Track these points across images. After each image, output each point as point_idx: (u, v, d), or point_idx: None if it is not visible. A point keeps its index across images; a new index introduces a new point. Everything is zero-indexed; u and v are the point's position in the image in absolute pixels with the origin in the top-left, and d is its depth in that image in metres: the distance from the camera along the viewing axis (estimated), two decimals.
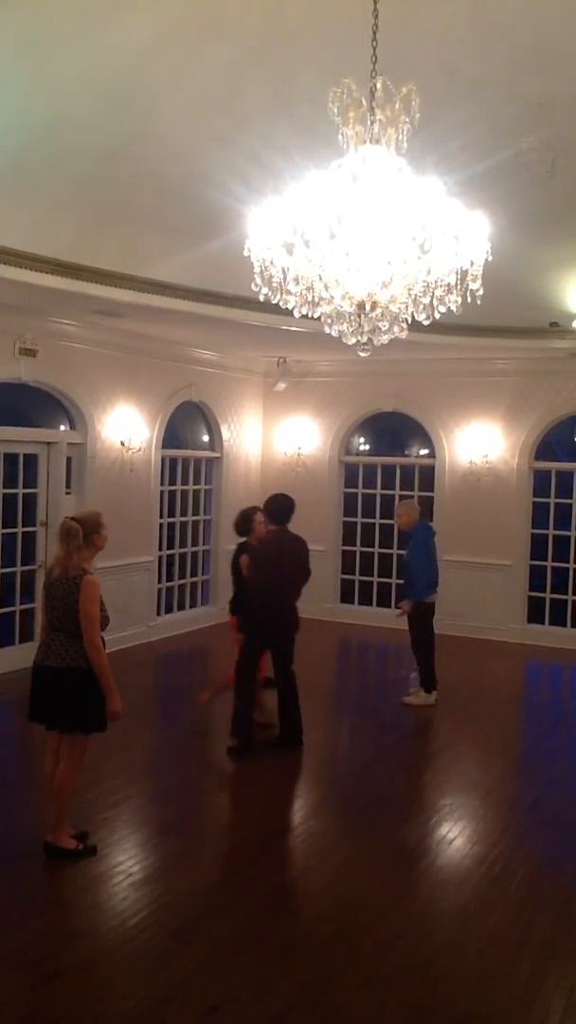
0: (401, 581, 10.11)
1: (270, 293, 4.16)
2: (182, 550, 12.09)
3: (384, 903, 5.01)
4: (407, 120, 4.01)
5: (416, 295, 4.14)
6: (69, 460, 10.05)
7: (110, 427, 10.46)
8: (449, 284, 4.09)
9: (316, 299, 4.20)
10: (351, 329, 4.32)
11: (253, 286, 4.18)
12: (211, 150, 6.40)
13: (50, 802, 5.39)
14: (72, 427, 10.15)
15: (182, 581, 12.15)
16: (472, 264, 4.05)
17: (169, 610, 11.88)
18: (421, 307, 4.18)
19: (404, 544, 9.37)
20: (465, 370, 11.96)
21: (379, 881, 5.32)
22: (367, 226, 3.93)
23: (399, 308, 4.20)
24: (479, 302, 4.12)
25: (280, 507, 7.59)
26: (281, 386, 12.84)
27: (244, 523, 7.95)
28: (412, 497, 12.01)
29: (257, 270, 4.13)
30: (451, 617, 11.87)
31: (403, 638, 9.13)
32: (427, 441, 12.65)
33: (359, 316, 4.23)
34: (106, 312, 8.87)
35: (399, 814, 6.34)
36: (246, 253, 4.12)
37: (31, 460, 9.74)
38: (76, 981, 4.17)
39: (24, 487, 9.66)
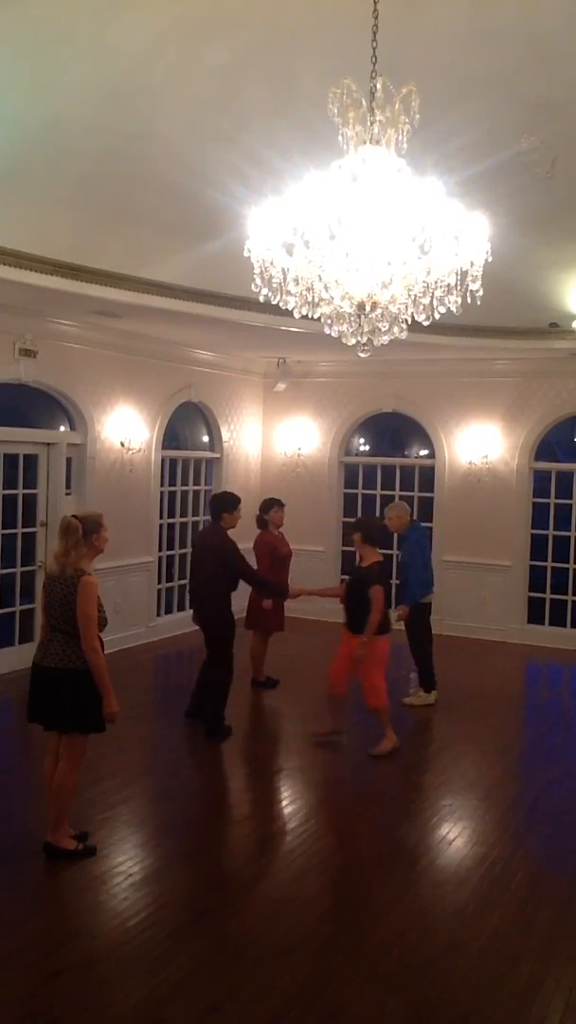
0: (397, 582, 10.10)
1: (270, 294, 4.17)
2: (182, 551, 12.07)
3: (384, 903, 5.01)
4: (407, 121, 4.02)
5: (416, 295, 4.14)
6: (69, 461, 10.04)
7: (110, 428, 10.45)
8: (449, 284, 4.09)
9: (316, 300, 4.20)
10: (351, 330, 4.32)
11: (253, 287, 4.18)
12: (211, 150, 6.40)
13: (49, 802, 5.39)
14: (72, 428, 10.15)
15: (182, 582, 12.10)
16: (472, 264, 4.06)
17: (169, 611, 11.88)
18: (421, 307, 4.18)
19: (401, 545, 9.36)
20: (465, 370, 11.96)
21: (379, 881, 5.32)
22: (367, 227, 3.93)
23: (399, 309, 4.20)
24: (479, 303, 4.13)
25: (214, 502, 8.11)
26: (281, 386, 12.84)
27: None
28: (411, 498, 12.02)
29: (257, 270, 4.13)
30: (451, 617, 11.88)
31: (402, 639, 9.12)
32: (427, 442, 12.64)
33: (359, 317, 4.23)
34: (106, 313, 8.87)
35: (399, 814, 6.34)
36: (246, 253, 4.12)
37: (31, 461, 9.73)
38: (76, 981, 4.17)
39: (24, 488, 9.65)
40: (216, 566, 7.66)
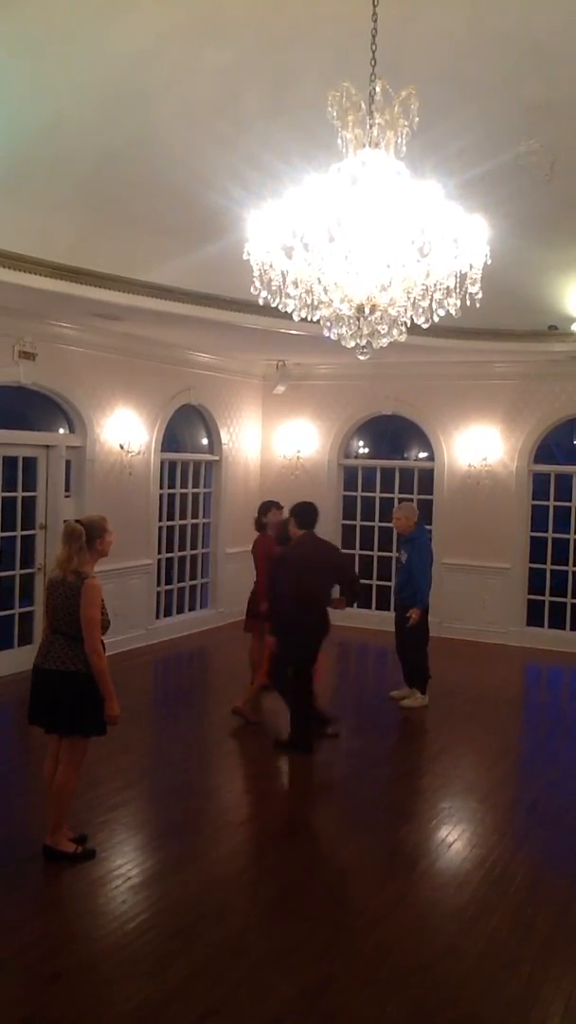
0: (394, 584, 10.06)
1: (269, 296, 4.17)
2: (181, 553, 12.08)
3: (383, 906, 5.01)
4: (406, 123, 4.02)
5: (415, 298, 4.14)
6: (68, 463, 10.05)
7: (109, 430, 10.46)
8: (448, 287, 4.09)
9: (315, 302, 4.20)
10: (350, 332, 4.32)
11: (252, 289, 4.18)
12: (210, 153, 6.41)
13: (49, 805, 5.38)
14: (71, 430, 10.15)
15: (181, 584, 12.14)
16: (471, 267, 4.06)
17: (168, 613, 11.87)
18: (420, 310, 4.18)
19: (404, 547, 9.31)
20: (464, 373, 11.97)
21: (378, 884, 5.32)
22: (366, 229, 3.93)
23: (398, 311, 4.20)
24: (478, 305, 4.13)
25: (306, 512, 7.88)
26: (280, 389, 12.84)
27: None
28: (411, 500, 12.01)
29: (256, 273, 4.13)
30: (451, 620, 11.88)
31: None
32: (426, 444, 12.65)
33: (358, 319, 4.23)
34: (105, 315, 8.87)
35: (398, 817, 6.34)
36: (245, 256, 4.13)
37: (30, 463, 9.74)
38: (75, 983, 4.16)
39: (23, 490, 9.66)
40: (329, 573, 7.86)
